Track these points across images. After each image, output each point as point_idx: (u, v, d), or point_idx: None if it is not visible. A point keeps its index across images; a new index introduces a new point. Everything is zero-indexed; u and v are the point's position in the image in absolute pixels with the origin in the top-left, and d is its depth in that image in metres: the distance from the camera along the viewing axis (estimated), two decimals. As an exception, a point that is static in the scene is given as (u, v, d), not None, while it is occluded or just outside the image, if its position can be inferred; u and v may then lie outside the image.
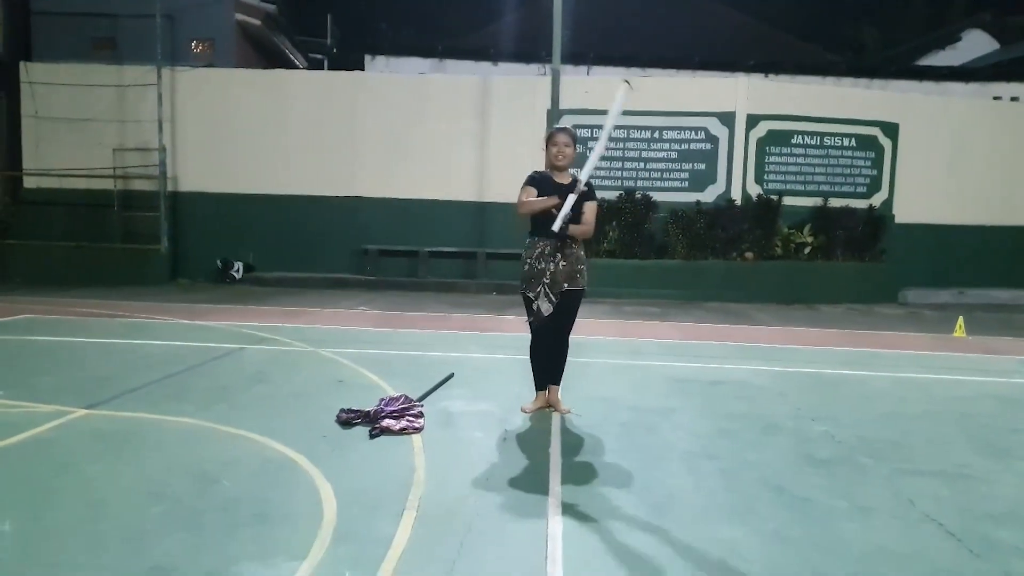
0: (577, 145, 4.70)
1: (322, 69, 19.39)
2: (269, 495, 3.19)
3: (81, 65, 13.41)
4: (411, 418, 4.30)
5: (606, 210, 11.85)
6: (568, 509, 3.14)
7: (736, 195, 13.06)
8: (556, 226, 4.26)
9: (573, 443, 4.13)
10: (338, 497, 3.17)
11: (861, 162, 13.61)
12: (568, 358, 4.72)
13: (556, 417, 4.59)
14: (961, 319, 9.15)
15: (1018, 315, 11.83)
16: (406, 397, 4.70)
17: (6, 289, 11.21)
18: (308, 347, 6.76)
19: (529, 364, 4.77)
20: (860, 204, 13.25)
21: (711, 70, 16.21)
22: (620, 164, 13.22)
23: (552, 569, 2.60)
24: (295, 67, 19.12)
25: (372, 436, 4.06)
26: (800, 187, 13.34)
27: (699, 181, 13.20)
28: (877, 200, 13.53)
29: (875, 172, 13.70)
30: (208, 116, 13.37)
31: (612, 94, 4.50)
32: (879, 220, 13.17)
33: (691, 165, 13.22)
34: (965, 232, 13.92)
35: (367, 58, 16.75)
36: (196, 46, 15.40)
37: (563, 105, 11.90)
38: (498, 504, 3.19)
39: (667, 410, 4.90)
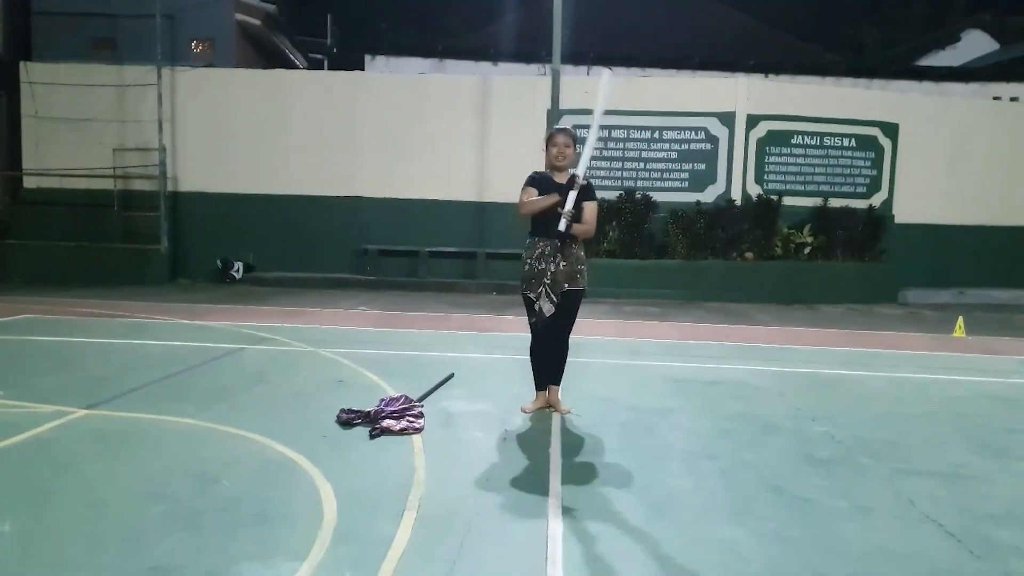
0: (577, 145, 4.71)
1: (322, 69, 19.40)
2: (269, 495, 3.19)
3: (81, 65, 13.41)
4: (411, 418, 4.31)
5: (606, 210, 11.85)
6: (568, 509, 3.14)
7: (736, 195, 13.06)
8: (562, 225, 4.27)
9: (573, 443, 4.14)
10: (338, 497, 3.17)
11: (861, 162, 13.61)
12: (568, 358, 4.73)
13: (556, 417, 4.59)
14: (961, 319, 9.15)
15: (1018, 315, 11.83)
16: (406, 397, 4.70)
17: (6, 289, 11.21)
18: (308, 347, 6.77)
19: (529, 364, 4.77)
20: (860, 204, 13.25)
21: (711, 70, 16.21)
22: (620, 164, 13.23)
23: (552, 569, 2.60)
24: (295, 67, 19.13)
25: (372, 436, 4.06)
26: (800, 187, 13.34)
27: (699, 181, 13.20)
28: (877, 200, 13.53)
29: (875, 172, 13.70)
30: (208, 116, 13.37)
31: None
32: (879, 220, 13.17)
33: (691, 165, 13.22)
34: (965, 232, 13.93)
35: (367, 58, 16.76)
36: (196, 46, 15.41)
37: (563, 105, 11.90)
38: (498, 504, 3.19)
39: (667, 410, 4.90)
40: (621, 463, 3.81)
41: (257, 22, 16.10)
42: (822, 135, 13.41)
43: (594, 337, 7.70)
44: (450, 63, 16.43)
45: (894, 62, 21.04)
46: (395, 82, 13.81)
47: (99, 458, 3.66)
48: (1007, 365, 7.21)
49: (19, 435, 3.91)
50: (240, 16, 15.70)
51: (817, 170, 13.47)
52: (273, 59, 18.08)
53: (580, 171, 4.36)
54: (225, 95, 13.38)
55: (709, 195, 13.09)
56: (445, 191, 13.30)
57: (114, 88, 13.21)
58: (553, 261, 4.45)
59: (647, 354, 7.10)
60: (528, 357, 4.75)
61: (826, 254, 12.84)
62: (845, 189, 13.50)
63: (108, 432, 4.05)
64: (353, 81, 13.78)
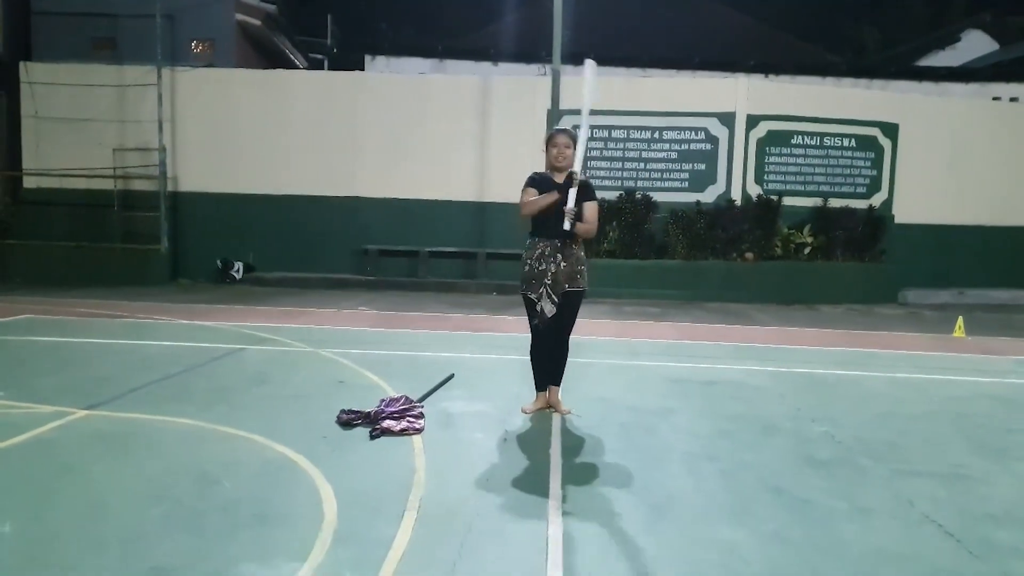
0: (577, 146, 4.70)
1: (322, 69, 19.39)
2: (269, 496, 3.20)
3: (81, 65, 13.41)
4: (411, 419, 4.31)
5: (606, 210, 11.85)
6: (568, 510, 3.15)
7: (736, 195, 13.07)
8: (567, 224, 4.27)
9: (573, 444, 4.14)
10: (339, 498, 3.17)
11: (861, 162, 13.62)
12: (568, 359, 4.73)
13: (556, 418, 4.60)
14: (960, 319, 9.15)
15: (1017, 315, 11.83)
16: (406, 398, 4.71)
17: (6, 289, 11.21)
18: (308, 347, 6.77)
19: (529, 364, 4.78)
20: (860, 204, 13.26)
21: (711, 70, 16.21)
22: (620, 164, 13.22)
23: (552, 570, 2.60)
24: (295, 67, 19.12)
25: (372, 437, 4.06)
26: (800, 187, 13.35)
27: (699, 181, 13.21)
28: (877, 200, 13.54)
29: (875, 172, 13.70)
30: (208, 116, 13.37)
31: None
32: (879, 220, 13.18)
33: (691, 165, 13.23)
34: (965, 232, 13.93)
35: (367, 58, 16.76)
36: (196, 46, 15.41)
37: (563, 105, 11.89)
38: (498, 505, 3.20)
39: (666, 411, 4.91)
40: (621, 464, 3.81)
41: (257, 22, 16.10)
42: (822, 135, 13.42)
43: (594, 337, 7.70)
44: (450, 63, 16.43)
45: (894, 62, 21.04)
46: (395, 82, 13.82)
47: (99, 459, 3.66)
48: (1007, 365, 7.21)
49: (19, 436, 3.92)
50: (240, 16, 15.69)
51: (817, 170, 13.47)
52: (273, 59, 18.08)
53: (576, 166, 4.36)
54: (225, 95, 13.39)
55: (709, 195, 13.10)
56: (445, 191, 13.31)
57: (114, 88, 13.21)
58: (553, 262, 4.46)
59: (647, 354, 7.10)
60: (528, 357, 4.75)
61: (826, 254, 12.84)
62: (845, 189, 13.50)
63: (108, 433, 4.05)
64: (353, 81, 13.79)
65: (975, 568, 2.75)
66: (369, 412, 4.36)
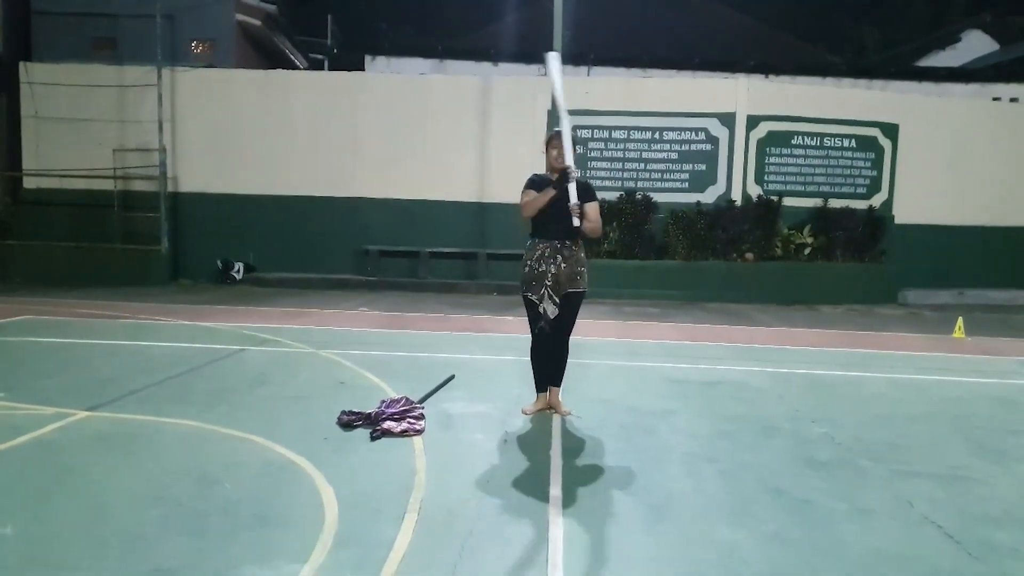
0: (577, 147, 4.70)
1: (322, 69, 19.40)
2: (270, 497, 3.20)
3: (81, 65, 13.41)
4: (412, 420, 4.32)
5: (607, 211, 11.85)
6: (569, 511, 3.15)
7: (736, 196, 13.07)
8: (575, 221, 4.27)
9: (573, 445, 4.15)
10: (339, 500, 3.18)
11: (861, 163, 13.62)
12: (568, 359, 4.74)
13: (556, 419, 4.60)
14: (960, 320, 9.15)
15: (1017, 315, 11.84)
16: (407, 399, 4.71)
17: (6, 290, 11.21)
18: (309, 348, 6.77)
19: (529, 365, 4.78)
20: (860, 205, 13.25)
21: (711, 71, 16.24)
22: (620, 165, 13.22)
23: (553, 571, 2.61)
24: (295, 67, 19.14)
25: (373, 438, 4.07)
26: (800, 188, 13.35)
27: (699, 182, 13.21)
28: (877, 201, 13.54)
29: (875, 173, 13.71)
30: (208, 116, 13.37)
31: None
32: (879, 221, 13.18)
33: (691, 166, 13.23)
34: (965, 232, 13.93)
35: (367, 58, 16.78)
36: (196, 46, 15.42)
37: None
38: (499, 506, 3.20)
39: (666, 412, 4.91)
40: (621, 465, 3.82)
41: (257, 22, 16.11)
42: (822, 136, 13.42)
43: (594, 338, 7.70)
44: (450, 63, 16.45)
45: (894, 62, 21.05)
46: (395, 82, 13.82)
47: (100, 460, 3.67)
48: (1007, 366, 7.21)
49: (20, 437, 3.92)
50: (240, 16, 15.71)
51: (817, 171, 13.47)
52: (273, 59, 18.10)
53: (568, 160, 4.35)
54: (225, 95, 13.39)
55: (709, 196, 13.10)
56: (446, 191, 13.31)
57: (114, 88, 13.21)
58: (553, 263, 4.46)
59: (647, 355, 7.11)
60: (528, 358, 4.76)
61: (826, 255, 12.85)
62: (845, 190, 13.50)
63: (109, 434, 4.06)
64: (353, 81, 13.79)
65: (974, 569, 2.75)
66: (370, 413, 4.37)
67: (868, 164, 13.65)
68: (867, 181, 13.66)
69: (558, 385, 4.74)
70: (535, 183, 4.53)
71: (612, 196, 12.45)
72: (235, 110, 13.33)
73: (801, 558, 2.79)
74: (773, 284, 12.43)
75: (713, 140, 13.16)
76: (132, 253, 12.88)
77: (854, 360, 7.20)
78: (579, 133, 12.35)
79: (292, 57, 19.05)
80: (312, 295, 11.58)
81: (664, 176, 13.24)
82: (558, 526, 2.99)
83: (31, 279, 12.36)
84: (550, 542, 2.84)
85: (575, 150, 4.58)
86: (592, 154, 13.06)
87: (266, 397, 4.97)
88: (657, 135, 13.18)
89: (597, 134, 12.98)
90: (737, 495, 3.43)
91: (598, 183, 10.93)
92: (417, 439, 4.09)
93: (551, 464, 3.77)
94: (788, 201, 12.88)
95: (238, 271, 13.11)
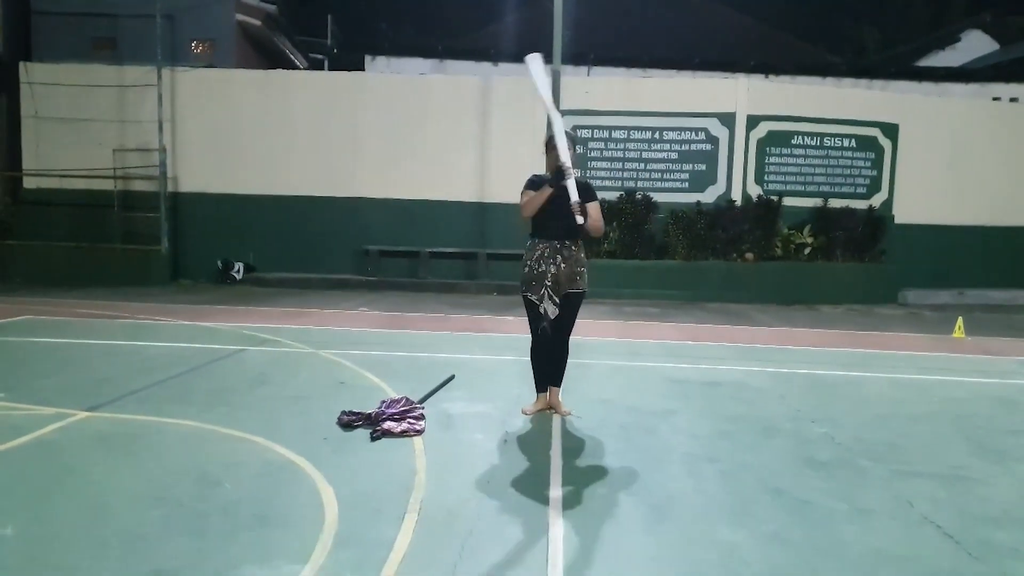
0: (577, 146, 4.70)
1: (322, 69, 19.41)
2: (270, 498, 3.20)
3: (81, 65, 13.41)
4: (412, 420, 4.32)
5: (607, 211, 11.85)
6: (569, 511, 3.15)
7: (736, 196, 13.07)
8: (579, 219, 4.26)
9: (573, 445, 4.15)
10: (340, 500, 3.18)
11: (861, 163, 13.62)
12: (568, 359, 4.74)
13: (556, 419, 4.60)
14: (960, 320, 9.15)
15: (1017, 315, 11.84)
16: (407, 399, 4.71)
17: (6, 290, 11.22)
18: (309, 348, 6.77)
19: (529, 366, 4.78)
20: (860, 205, 13.26)
21: (711, 71, 16.24)
22: (620, 165, 13.23)
23: (553, 571, 2.61)
24: (295, 67, 19.14)
25: (373, 438, 4.07)
26: (800, 188, 13.35)
27: (699, 182, 13.21)
28: (877, 201, 13.54)
29: (875, 173, 13.71)
30: (208, 116, 13.37)
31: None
32: (879, 221, 13.18)
33: (691, 166, 13.23)
34: (965, 232, 13.93)
35: (367, 58, 16.77)
36: (196, 46, 15.42)
37: (563, 106, 11.88)
38: (499, 507, 3.20)
39: (667, 412, 4.91)
40: (621, 465, 3.82)
41: (257, 22, 16.12)
42: (822, 136, 13.42)
43: (595, 338, 7.70)
44: (451, 63, 16.44)
45: (894, 62, 21.06)
46: (396, 82, 13.82)
47: (100, 460, 3.67)
48: (1007, 366, 7.21)
49: (20, 437, 3.92)
50: (240, 16, 15.72)
51: (817, 171, 13.48)
52: (273, 59, 18.10)
53: (563, 158, 4.34)
54: (225, 95, 13.39)
55: (709, 195, 13.10)
56: (446, 191, 13.31)
57: (114, 88, 13.21)
58: (553, 263, 4.46)
59: (647, 355, 7.11)
60: (528, 358, 4.76)
61: (826, 255, 12.85)
62: (845, 190, 13.50)
63: (110, 434, 4.06)
64: (354, 81, 13.79)
65: (974, 569, 2.75)
66: (370, 413, 4.37)
67: (868, 164, 13.65)
68: (867, 181, 13.67)
69: (558, 385, 4.74)
70: (534, 183, 4.53)
71: (612, 196, 12.45)
72: (235, 110, 13.33)
73: (801, 558, 2.79)
74: (773, 284, 12.43)
75: (713, 140, 13.16)
76: (132, 253, 12.88)
77: (854, 360, 7.20)
78: (579, 133, 12.36)
79: (292, 57, 19.06)
80: (312, 295, 11.58)
81: (664, 176, 13.25)
82: (558, 526, 2.99)
83: (31, 279, 12.36)
84: (550, 542, 2.84)
85: (575, 150, 4.59)
86: (592, 154, 13.07)
87: (266, 397, 4.97)
88: (657, 135, 13.19)
89: (597, 134, 12.98)
90: (737, 495, 3.43)
91: (598, 183, 10.91)
92: (417, 439, 4.09)
93: (551, 464, 3.77)
94: (788, 201, 12.89)
95: (238, 271, 13.12)
